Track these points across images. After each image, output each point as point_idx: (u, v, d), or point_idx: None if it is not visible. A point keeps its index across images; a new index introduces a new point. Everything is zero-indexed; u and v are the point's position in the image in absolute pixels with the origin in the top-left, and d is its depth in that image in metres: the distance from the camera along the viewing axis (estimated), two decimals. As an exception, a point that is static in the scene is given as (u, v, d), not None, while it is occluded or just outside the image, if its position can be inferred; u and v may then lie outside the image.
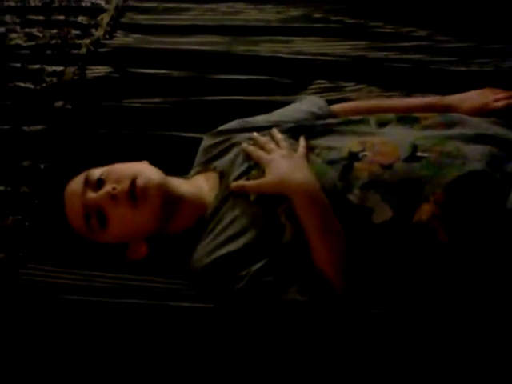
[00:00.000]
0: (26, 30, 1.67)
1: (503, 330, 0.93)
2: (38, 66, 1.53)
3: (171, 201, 0.99)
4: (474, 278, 0.91)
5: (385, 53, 1.49)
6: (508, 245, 0.89)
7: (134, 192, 0.95)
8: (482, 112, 1.09)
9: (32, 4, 1.78)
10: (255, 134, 1.07)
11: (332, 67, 1.46)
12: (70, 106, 1.43)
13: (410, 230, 0.91)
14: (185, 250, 1.02)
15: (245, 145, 1.05)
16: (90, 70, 1.52)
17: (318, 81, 1.44)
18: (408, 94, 1.35)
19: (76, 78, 1.49)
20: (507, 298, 0.91)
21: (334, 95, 1.38)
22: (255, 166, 1.01)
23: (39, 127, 1.37)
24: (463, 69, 1.41)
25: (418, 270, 0.92)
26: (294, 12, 1.69)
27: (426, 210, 0.90)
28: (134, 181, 0.96)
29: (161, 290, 1.10)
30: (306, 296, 0.90)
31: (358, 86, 1.41)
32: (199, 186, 1.06)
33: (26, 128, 1.37)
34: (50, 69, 1.52)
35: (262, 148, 1.02)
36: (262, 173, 0.99)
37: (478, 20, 1.54)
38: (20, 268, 1.13)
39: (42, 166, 1.29)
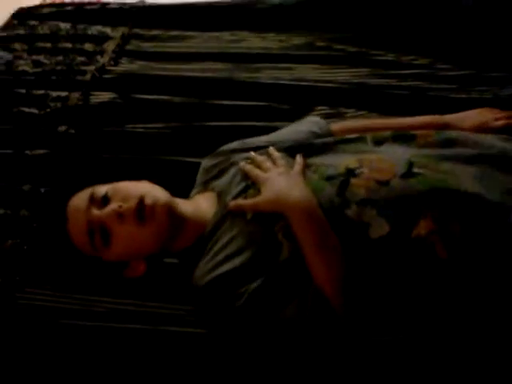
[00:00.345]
0: (34, 57, 1.71)
1: (504, 347, 0.91)
2: (42, 92, 1.55)
3: (177, 220, 1.00)
4: (474, 296, 0.90)
5: (385, 80, 1.50)
6: (507, 262, 0.88)
7: (142, 211, 0.96)
8: (480, 130, 1.10)
9: (40, 32, 1.83)
10: (252, 153, 1.08)
11: (333, 94, 1.48)
12: (73, 131, 1.45)
13: (408, 246, 0.90)
14: (184, 269, 1.02)
15: (242, 164, 1.06)
16: (94, 95, 1.54)
17: (319, 107, 1.45)
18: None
19: (80, 103, 1.51)
20: (508, 315, 0.89)
21: (334, 121, 1.39)
22: (252, 185, 1.02)
23: (42, 151, 1.39)
24: (463, 96, 1.42)
25: (417, 286, 0.91)
26: (296, 40, 1.71)
27: (423, 226, 0.90)
28: (141, 200, 0.96)
29: (158, 314, 1.09)
30: (304, 314, 0.89)
31: (358, 113, 1.42)
32: (199, 205, 1.07)
33: (28, 152, 1.39)
34: (54, 94, 1.54)
35: (259, 167, 1.03)
36: (259, 191, 0.99)
37: (478, 49, 1.55)
38: (17, 292, 1.13)
39: (42, 190, 1.30)
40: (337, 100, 1.46)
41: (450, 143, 1.02)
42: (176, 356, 1.03)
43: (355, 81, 1.51)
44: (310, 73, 1.57)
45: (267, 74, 1.57)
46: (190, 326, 1.06)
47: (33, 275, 1.16)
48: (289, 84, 1.52)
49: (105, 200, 0.99)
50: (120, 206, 0.96)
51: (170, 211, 0.98)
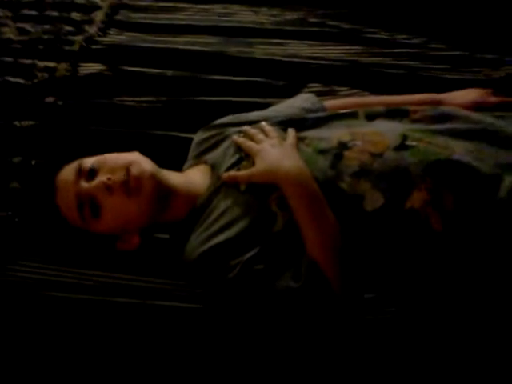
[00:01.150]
0: (19, 24, 1.66)
1: (500, 324, 0.93)
2: (29, 61, 1.51)
3: (164, 191, 0.99)
4: (469, 269, 0.92)
5: (379, 58, 1.50)
6: (501, 236, 0.90)
7: (128, 182, 0.95)
8: (473, 107, 1.11)
9: (25, -1, 1.77)
10: (246, 126, 1.08)
11: (326, 71, 1.47)
12: (61, 103, 1.41)
13: (403, 218, 0.91)
14: (177, 242, 1.02)
15: (235, 137, 1.06)
16: (83, 66, 1.51)
17: (312, 84, 1.44)
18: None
19: (68, 74, 1.48)
20: (503, 291, 0.91)
21: (327, 99, 1.38)
22: (246, 157, 1.02)
23: (30, 123, 1.36)
24: (455, 77, 1.42)
25: (412, 259, 0.93)
26: (289, 15, 1.69)
27: (417, 197, 0.91)
28: (127, 172, 0.96)
29: (148, 288, 1.10)
30: (299, 283, 0.90)
31: (351, 91, 1.42)
32: (191, 178, 1.07)
33: (16, 123, 1.36)
34: (41, 64, 1.51)
35: (252, 139, 1.03)
36: (253, 163, 1.00)
37: (472, 29, 1.55)
38: (8, 264, 1.12)
39: (32, 162, 1.28)
40: (330, 77, 1.45)
41: (443, 118, 1.03)
42: (165, 330, 1.04)
43: (348, 58, 1.51)
44: (303, 49, 1.55)
45: (260, 50, 1.55)
46: (179, 300, 1.06)
47: (24, 248, 1.15)
48: (282, 60, 1.50)
49: (92, 172, 0.99)
50: (108, 178, 0.96)
51: (157, 182, 0.98)
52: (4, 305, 1.06)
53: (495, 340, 0.93)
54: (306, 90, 1.43)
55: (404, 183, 0.92)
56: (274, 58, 1.51)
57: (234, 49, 1.56)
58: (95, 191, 0.97)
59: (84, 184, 0.98)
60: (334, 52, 1.54)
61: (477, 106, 1.12)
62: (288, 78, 1.46)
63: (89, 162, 1.01)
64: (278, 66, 1.49)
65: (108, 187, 0.96)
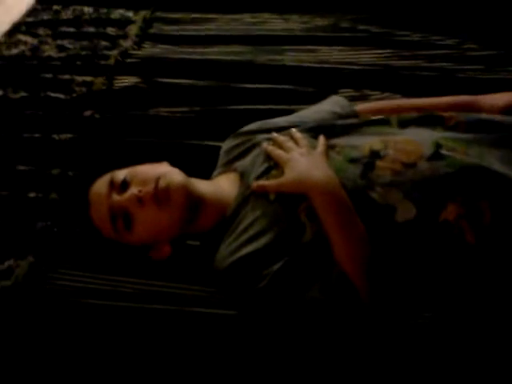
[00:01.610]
0: (58, 41, 1.72)
1: None
2: (68, 77, 1.57)
3: (194, 201, 1.00)
4: (501, 283, 0.89)
5: (411, 61, 1.48)
6: None
7: (158, 195, 0.97)
8: (507, 110, 1.07)
9: (64, 17, 1.84)
10: (274, 134, 1.07)
11: (357, 76, 1.46)
12: (98, 116, 1.46)
13: (436, 230, 0.89)
14: (208, 251, 1.03)
15: (264, 145, 1.05)
16: (118, 80, 1.55)
17: (343, 90, 1.43)
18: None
19: (104, 87, 1.52)
20: None
21: (358, 103, 1.38)
22: (275, 166, 1.01)
23: (68, 136, 1.41)
24: (491, 77, 1.39)
25: (444, 272, 0.90)
26: (319, 21, 1.69)
27: (451, 210, 0.89)
28: (156, 182, 0.97)
29: (183, 295, 1.11)
30: (327, 296, 0.89)
31: (383, 95, 1.40)
32: (220, 186, 1.07)
33: (55, 136, 1.41)
34: (79, 79, 1.56)
35: (281, 147, 1.02)
36: (282, 172, 0.99)
37: (506, 28, 1.51)
38: (48, 272, 1.15)
39: (70, 174, 1.32)
40: (361, 82, 1.44)
41: (477, 125, 1.00)
42: (201, 336, 1.04)
43: (380, 62, 1.49)
44: (333, 55, 1.55)
45: (290, 57, 1.56)
46: (214, 307, 1.07)
47: (63, 257, 1.19)
48: (312, 67, 1.50)
49: (124, 185, 1.00)
50: (140, 191, 0.97)
51: (187, 192, 0.99)
52: (44, 312, 1.09)
53: None
54: (338, 95, 1.42)
55: (438, 195, 0.90)
56: (304, 64, 1.52)
57: (264, 57, 1.57)
58: (127, 204, 0.98)
59: (116, 197, 0.99)
60: (365, 56, 1.53)
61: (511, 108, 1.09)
62: (318, 84, 1.46)
63: (120, 174, 1.02)
64: (308, 72, 1.49)
65: (139, 199, 0.97)
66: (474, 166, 0.92)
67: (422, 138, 0.97)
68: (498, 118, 1.02)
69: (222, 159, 1.16)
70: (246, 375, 0.99)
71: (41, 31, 1.77)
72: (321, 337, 0.93)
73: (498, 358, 0.91)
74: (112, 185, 1.01)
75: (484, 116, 1.03)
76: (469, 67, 1.44)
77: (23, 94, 1.53)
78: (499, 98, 1.11)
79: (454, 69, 1.44)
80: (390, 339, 0.93)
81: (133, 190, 0.98)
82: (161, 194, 0.97)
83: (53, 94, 1.52)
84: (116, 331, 1.07)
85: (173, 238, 1.03)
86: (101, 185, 1.03)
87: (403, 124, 1.04)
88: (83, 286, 1.13)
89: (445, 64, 1.46)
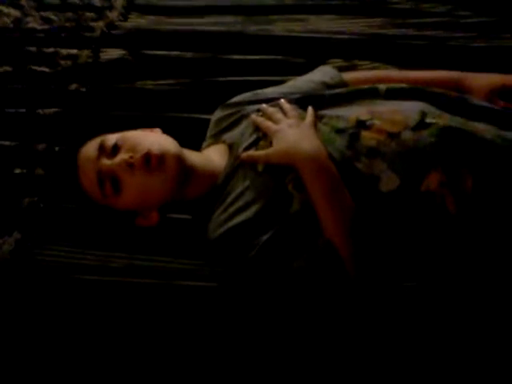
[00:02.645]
0: (42, 13, 1.68)
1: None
2: (52, 50, 1.53)
3: (185, 170, 1.00)
4: (484, 253, 0.90)
5: (402, 29, 1.46)
6: None
7: (150, 160, 0.96)
8: (501, 88, 1.06)
9: (48, -13, 1.79)
10: (264, 105, 1.07)
11: (347, 45, 1.43)
12: (84, 89, 1.43)
13: (419, 199, 0.90)
14: (197, 223, 1.03)
15: (253, 116, 1.05)
16: (104, 52, 1.52)
17: (333, 60, 1.41)
18: (425, 72, 1.32)
19: (90, 60, 1.49)
20: None
21: (348, 73, 1.35)
22: (263, 137, 1.02)
23: (54, 110, 1.39)
24: (483, 44, 1.37)
25: (427, 241, 0.91)
26: (309, -10, 1.65)
27: (433, 178, 0.89)
28: (149, 150, 0.97)
29: (172, 269, 1.11)
30: (313, 264, 0.90)
31: (373, 65, 1.38)
32: (209, 157, 1.07)
33: (40, 111, 1.39)
34: (64, 52, 1.52)
35: (270, 118, 1.02)
36: (270, 143, 0.99)
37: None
38: (35, 248, 1.15)
39: (56, 149, 1.31)
40: (351, 52, 1.42)
41: (463, 106, 0.99)
42: (189, 309, 1.05)
43: (371, 31, 1.47)
44: (323, 24, 1.52)
45: (280, 27, 1.53)
46: (202, 280, 1.07)
47: (50, 233, 1.18)
48: (302, 36, 1.48)
49: (114, 149, 0.99)
50: (131, 157, 0.96)
51: (179, 161, 0.99)
52: (32, 288, 1.09)
53: (505, 325, 0.90)
54: (327, 65, 1.40)
55: (420, 164, 0.90)
56: (294, 34, 1.49)
57: (253, 27, 1.54)
58: (117, 169, 0.97)
59: (106, 161, 0.99)
60: (355, 25, 1.50)
61: (497, 90, 1.06)
62: (308, 54, 1.43)
63: (111, 138, 1.01)
64: (297, 42, 1.47)
65: (130, 165, 0.96)
66: (456, 129, 0.91)
67: (408, 108, 0.97)
68: (484, 104, 1.01)
69: (211, 130, 1.16)
70: (235, 348, 1.01)
71: (24, 2, 1.73)
72: (306, 306, 0.93)
73: (481, 328, 0.92)
74: (102, 149, 1.00)
75: (471, 100, 1.02)
76: (461, 35, 1.41)
77: (7, 68, 1.50)
78: (487, 81, 1.09)
79: (445, 37, 1.41)
80: (374, 308, 0.93)
81: (123, 156, 0.97)
82: (153, 161, 0.96)
83: (37, 68, 1.49)
84: (104, 306, 1.07)
85: (161, 204, 1.03)
86: (90, 148, 1.03)
87: (392, 94, 1.03)
88: (71, 262, 1.13)
89: (436, 32, 1.43)
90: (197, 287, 1.07)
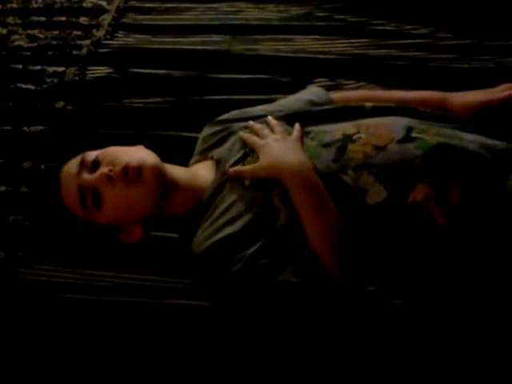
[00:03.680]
0: (29, 31, 1.68)
1: (503, 318, 0.92)
2: (39, 67, 1.53)
3: (166, 183, 1.00)
4: (473, 264, 0.91)
5: (385, 50, 1.48)
6: (506, 229, 0.88)
7: (128, 173, 0.97)
8: (482, 105, 1.08)
9: (34, 6, 1.79)
10: (251, 122, 1.08)
11: (332, 65, 1.46)
12: (70, 107, 1.43)
13: (405, 212, 0.91)
14: (184, 240, 1.03)
15: (241, 132, 1.07)
16: (91, 70, 1.52)
17: (319, 79, 1.43)
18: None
19: (77, 78, 1.49)
20: (506, 285, 0.90)
21: (335, 92, 1.38)
22: (251, 152, 1.03)
23: (40, 128, 1.38)
24: (464, 66, 1.40)
25: (415, 254, 0.92)
26: (295, 11, 1.68)
27: (420, 190, 0.90)
28: (127, 162, 0.98)
29: (159, 288, 1.10)
30: (299, 278, 0.90)
31: (358, 84, 1.41)
32: (195, 173, 1.08)
33: (26, 129, 1.38)
34: (50, 69, 1.52)
35: (257, 134, 1.04)
36: (257, 158, 1.00)
37: (480, 17, 1.53)
38: (19, 267, 1.14)
39: (42, 167, 1.30)
40: (336, 72, 1.44)
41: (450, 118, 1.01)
42: (178, 328, 1.04)
43: (355, 51, 1.49)
44: (309, 44, 1.54)
45: (266, 46, 1.55)
46: (190, 298, 1.07)
47: (35, 251, 1.17)
48: (288, 56, 1.50)
49: (95, 164, 1.01)
50: (110, 170, 0.98)
51: (158, 173, 0.99)
52: (16, 307, 1.07)
53: (497, 334, 0.91)
54: (313, 85, 1.42)
55: (407, 177, 0.91)
56: (280, 54, 1.51)
57: (239, 47, 1.55)
58: (97, 182, 0.98)
59: (86, 176, 1.00)
60: (340, 46, 1.53)
61: (486, 104, 1.09)
62: (294, 73, 1.45)
63: (92, 154, 1.03)
64: (283, 62, 1.49)
65: (109, 177, 0.97)
66: (443, 144, 0.93)
67: (394, 123, 0.99)
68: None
69: (198, 147, 1.17)
70: (226, 365, 1.00)
71: (10, 20, 1.73)
72: (293, 320, 0.93)
73: (470, 342, 0.93)
74: (83, 164, 1.02)
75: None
76: (442, 56, 1.44)
77: (-8, 85, 1.49)
78: (470, 98, 1.11)
79: (427, 58, 1.44)
80: (360, 322, 0.94)
81: (103, 169, 0.99)
82: (131, 173, 0.97)
83: (23, 86, 1.49)
84: (91, 325, 1.06)
85: (143, 218, 1.03)
86: (72, 164, 1.05)
87: (378, 111, 1.06)
88: (56, 280, 1.12)
89: (418, 53, 1.46)
90: (186, 306, 1.06)
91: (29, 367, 1.02)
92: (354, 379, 0.93)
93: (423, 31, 1.53)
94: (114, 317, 1.07)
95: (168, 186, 1.01)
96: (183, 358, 1.01)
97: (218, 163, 1.06)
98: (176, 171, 1.05)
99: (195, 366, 1.01)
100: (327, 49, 1.52)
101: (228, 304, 0.98)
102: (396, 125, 0.98)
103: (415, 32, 1.53)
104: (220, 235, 0.96)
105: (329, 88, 1.37)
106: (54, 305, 1.08)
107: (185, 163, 1.17)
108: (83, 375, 1.01)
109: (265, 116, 1.09)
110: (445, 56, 1.44)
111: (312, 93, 1.20)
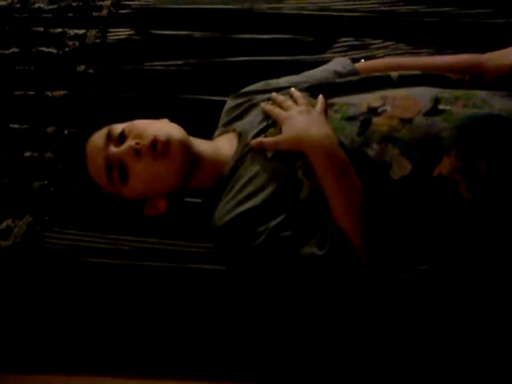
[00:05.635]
0: (49, -8, 1.66)
1: None
2: (60, 30, 1.52)
3: (191, 157, 1.00)
4: (498, 238, 0.89)
5: (414, 6, 1.41)
6: None
7: (156, 147, 0.96)
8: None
9: (54, -34, 1.76)
10: (274, 93, 1.06)
11: (358, 24, 1.40)
12: (92, 71, 1.42)
13: (431, 185, 0.89)
14: (207, 208, 1.03)
15: (263, 104, 1.05)
16: (112, 32, 1.50)
17: (344, 39, 1.38)
18: (438, 51, 1.29)
19: (98, 41, 1.48)
20: None
21: (359, 53, 1.33)
22: (273, 124, 1.02)
23: (62, 92, 1.38)
24: (501, 21, 1.32)
25: (440, 227, 0.90)
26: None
27: (446, 164, 0.88)
28: (155, 136, 0.97)
29: (184, 252, 1.12)
30: (323, 250, 0.90)
31: (385, 44, 1.35)
32: (219, 146, 1.07)
33: (49, 93, 1.38)
34: (71, 32, 1.51)
35: (280, 106, 1.02)
36: (280, 130, 0.99)
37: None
38: (46, 231, 1.16)
39: (66, 132, 1.31)
40: (362, 30, 1.39)
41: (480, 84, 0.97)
42: (202, 292, 1.06)
43: (382, 8, 1.43)
44: (334, 2, 1.48)
45: (290, 5, 1.49)
46: (213, 263, 1.08)
47: (60, 216, 1.19)
48: (312, 14, 1.44)
49: (121, 137, 1.00)
50: (137, 143, 0.97)
51: (185, 148, 0.99)
52: (43, 271, 1.10)
53: None
54: (338, 45, 1.37)
55: (433, 150, 0.89)
56: (304, 12, 1.45)
57: (262, 5, 1.51)
58: (124, 155, 0.98)
59: (113, 149, 1.00)
60: (366, 3, 1.46)
61: None
62: (318, 33, 1.41)
63: (118, 127, 1.02)
64: (307, 20, 1.44)
65: (136, 151, 0.97)
66: (471, 116, 0.90)
67: (421, 94, 0.96)
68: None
69: (222, 120, 1.16)
70: (246, 332, 1.01)
71: (30, -18, 1.70)
72: (316, 293, 0.93)
73: (493, 312, 0.92)
74: (109, 137, 1.01)
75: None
76: (476, 11, 1.37)
77: (14, 49, 1.48)
78: (506, 57, 1.05)
79: (459, 13, 1.37)
80: (385, 294, 0.93)
81: (130, 143, 0.98)
82: (159, 147, 0.96)
83: (45, 49, 1.48)
84: (115, 289, 1.08)
85: (168, 192, 1.03)
86: (98, 137, 1.04)
87: (404, 80, 1.02)
88: (81, 245, 1.14)
89: (450, 8, 1.39)
90: (208, 270, 1.07)
91: (53, 330, 1.05)
92: (372, 349, 0.94)
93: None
94: (138, 281, 1.09)
95: (193, 160, 1.00)
96: (205, 323, 1.03)
97: (240, 135, 1.05)
98: (201, 145, 1.04)
99: (217, 331, 1.02)
100: (353, 6, 1.46)
101: (248, 273, 0.98)
102: (423, 96, 0.94)
103: (446, -14, 1.46)
104: (241, 208, 0.95)
105: (354, 48, 1.33)
106: (80, 269, 1.10)
107: (207, 126, 1.16)
108: (107, 339, 1.04)
109: (289, 87, 1.07)
110: (479, 11, 1.37)
111: (337, 63, 1.17)
